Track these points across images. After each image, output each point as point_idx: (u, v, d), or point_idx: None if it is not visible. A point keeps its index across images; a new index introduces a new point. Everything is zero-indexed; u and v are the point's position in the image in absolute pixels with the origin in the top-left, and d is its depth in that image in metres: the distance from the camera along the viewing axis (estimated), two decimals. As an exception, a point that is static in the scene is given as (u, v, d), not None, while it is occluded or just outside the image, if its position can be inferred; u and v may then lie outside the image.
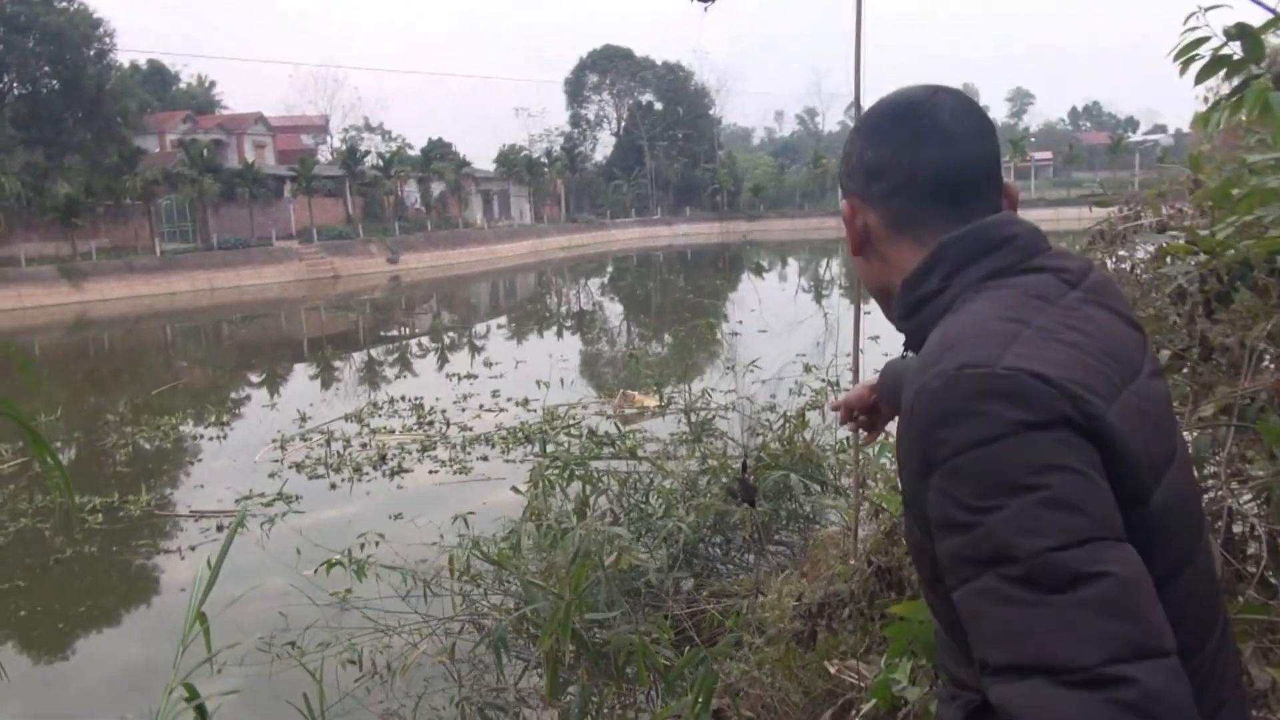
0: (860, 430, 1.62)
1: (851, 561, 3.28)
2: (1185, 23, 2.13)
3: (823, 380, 8.76)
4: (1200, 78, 2.32)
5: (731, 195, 78.01)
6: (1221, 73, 2.57)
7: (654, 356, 22.05)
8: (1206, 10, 2.11)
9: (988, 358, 0.88)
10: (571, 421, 11.35)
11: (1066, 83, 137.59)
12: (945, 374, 0.89)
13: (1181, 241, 1.87)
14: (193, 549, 8.34)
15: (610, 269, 51.18)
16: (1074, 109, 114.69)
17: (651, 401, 11.75)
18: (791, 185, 79.40)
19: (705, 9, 2.86)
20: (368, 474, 10.29)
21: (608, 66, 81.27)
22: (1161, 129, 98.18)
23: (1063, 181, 79.69)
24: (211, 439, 12.81)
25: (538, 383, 11.58)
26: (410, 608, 4.18)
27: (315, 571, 4.54)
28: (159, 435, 12.91)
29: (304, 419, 12.85)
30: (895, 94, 1.10)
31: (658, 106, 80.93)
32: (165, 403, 15.63)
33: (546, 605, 3.38)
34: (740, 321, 22.90)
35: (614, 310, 34.16)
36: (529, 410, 12.73)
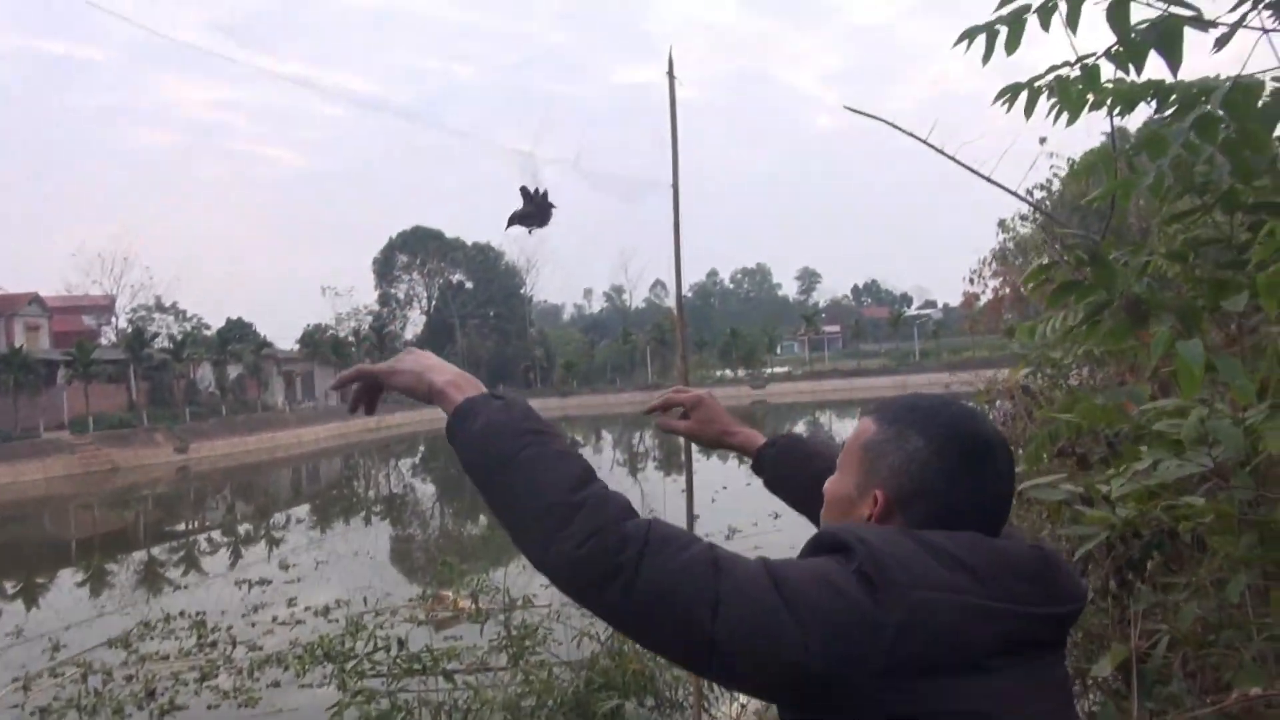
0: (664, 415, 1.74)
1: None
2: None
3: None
4: (1051, 303, 2.20)
5: (544, 371, 78.68)
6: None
7: (469, 539, 21.09)
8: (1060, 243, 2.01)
9: None
10: (379, 633, 10.31)
11: (848, 262, 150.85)
12: None
13: (1078, 499, 1.66)
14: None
15: (422, 448, 49.64)
16: (856, 286, 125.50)
17: (466, 603, 10.92)
18: (602, 360, 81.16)
19: (530, 233, 2.56)
20: (130, 716, 8.78)
21: (418, 246, 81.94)
22: (932, 304, 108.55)
23: (851, 353, 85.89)
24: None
25: (335, 601, 10.52)
26: None
27: None
28: None
29: (56, 648, 11.05)
30: (964, 421, 1.16)
31: (469, 285, 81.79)
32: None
33: None
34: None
35: (426, 492, 32.82)
36: (330, 620, 11.52)
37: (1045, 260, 2.04)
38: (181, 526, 26.53)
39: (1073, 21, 2.34)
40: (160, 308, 64.48)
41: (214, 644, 10.99)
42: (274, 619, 11.96)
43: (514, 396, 1.19)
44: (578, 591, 1.04)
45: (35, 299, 54.31)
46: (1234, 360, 1.32)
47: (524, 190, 2.58)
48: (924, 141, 4.47)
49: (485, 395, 1.20)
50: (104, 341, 55.44)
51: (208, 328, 60.11)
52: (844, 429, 42.17)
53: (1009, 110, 2.59)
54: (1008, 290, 28.96)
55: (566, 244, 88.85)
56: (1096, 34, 2.41)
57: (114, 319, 64.28)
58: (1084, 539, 1.58)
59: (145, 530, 25.63)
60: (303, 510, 27.44)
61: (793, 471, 1.65)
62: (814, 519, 1.64)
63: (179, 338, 51.71)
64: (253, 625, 11.76)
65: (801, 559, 1.07)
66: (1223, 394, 1.70)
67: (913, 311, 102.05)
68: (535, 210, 2.57)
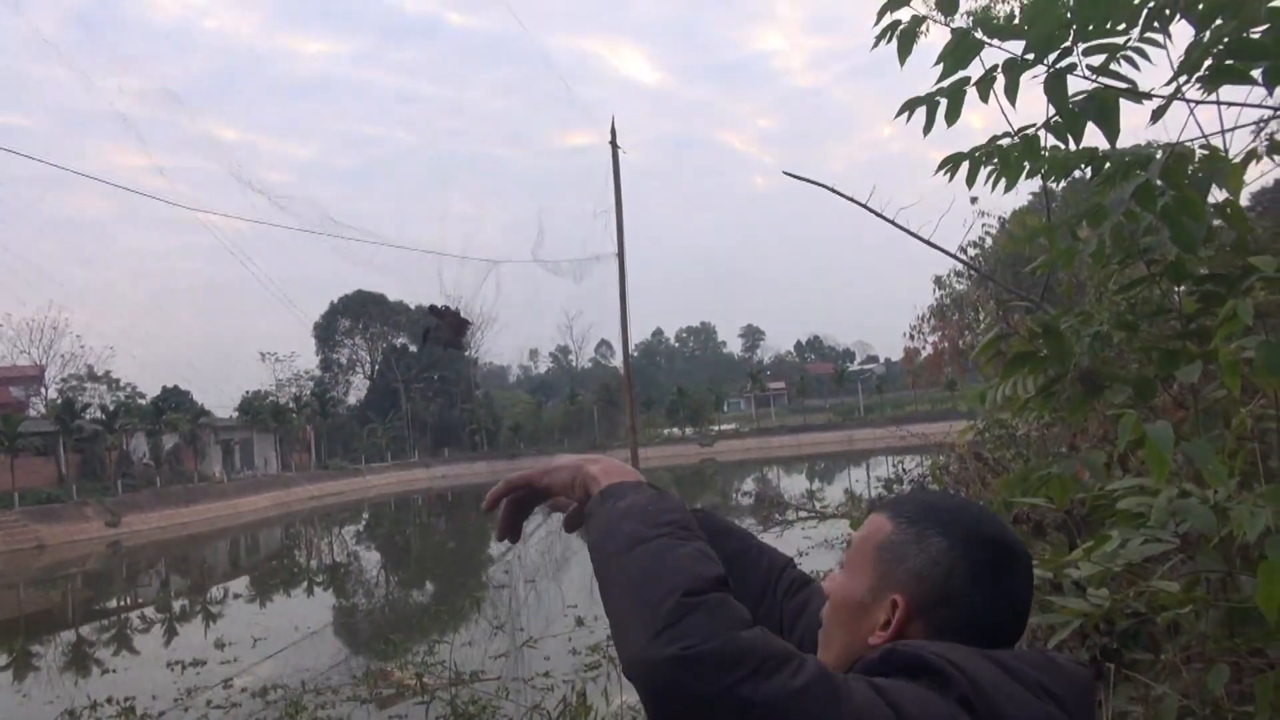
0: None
1: None
2: (984, 323, 2.01)
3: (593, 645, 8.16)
4: (1005, 375, 2.19)
5: (490, 434, 77.88)
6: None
7: (414, 608, 20.53)
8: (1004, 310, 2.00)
9: None
10: (319, 713, 9.91)
11: (791, 319, 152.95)
12: None
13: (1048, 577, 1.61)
14: None
15: (365, 516, 48.56)
16: (799, 342, 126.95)
17: (411, 680, 10.58)
18: (550, 421, 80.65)
19: (444, 350, 2.51)
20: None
21: (360, 311, 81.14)
22: (874, 359, 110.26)
23: (798, 408, 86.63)
24: None
25: (272, 684, 10.11)
26: None
27: None
28: None
29: (-28, 744, 10.39)
30: (989, 524, 1.10)
31: (412, 349, 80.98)
32: None
33: None
34: (506, 572, 21.91)
35: (371, 559, 32.02)
36: (268, 702, 11.03)
37: (986, 322, 2.03)
38: (112, 604, 25.42)
39: (1010, 94, 2.38)
40: (93, 377, 62.64)
41: (144, 732, 10.44)
42: (208, 703, 11.42)
43: (671, 492, 1.14)
44: (677, 703, 0.91)
45: (-41, 370, 52.47)
46: (1204, 443, 1.30)
47: (434, 309, 2.51)
48: (863, 205, 4.51)
49: (640, 482, 1.15)
50: (33, 413, 53.52)
51: (142, 397, 58.48)
52: (793, 484, 42.27)
53: (950, 179, 2.60)
54: (946, 345, 29.51)
55: (511, 306, 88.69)
56: (1033, 104, 2.45)
57: (43, 389, 62.21)
58: (1056, 627, 1.53)
59: (73, 609, 24.52)
60: (240, 583, 26.51)
61: None
62: None
63: (111, 408, 50.17)
64: (186, 710, 11.22)
65: (887, 680, 0.97)
66: (1183, 468, 1.68)
67: (855, 367, 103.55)
68: (448, 329, 2.50)
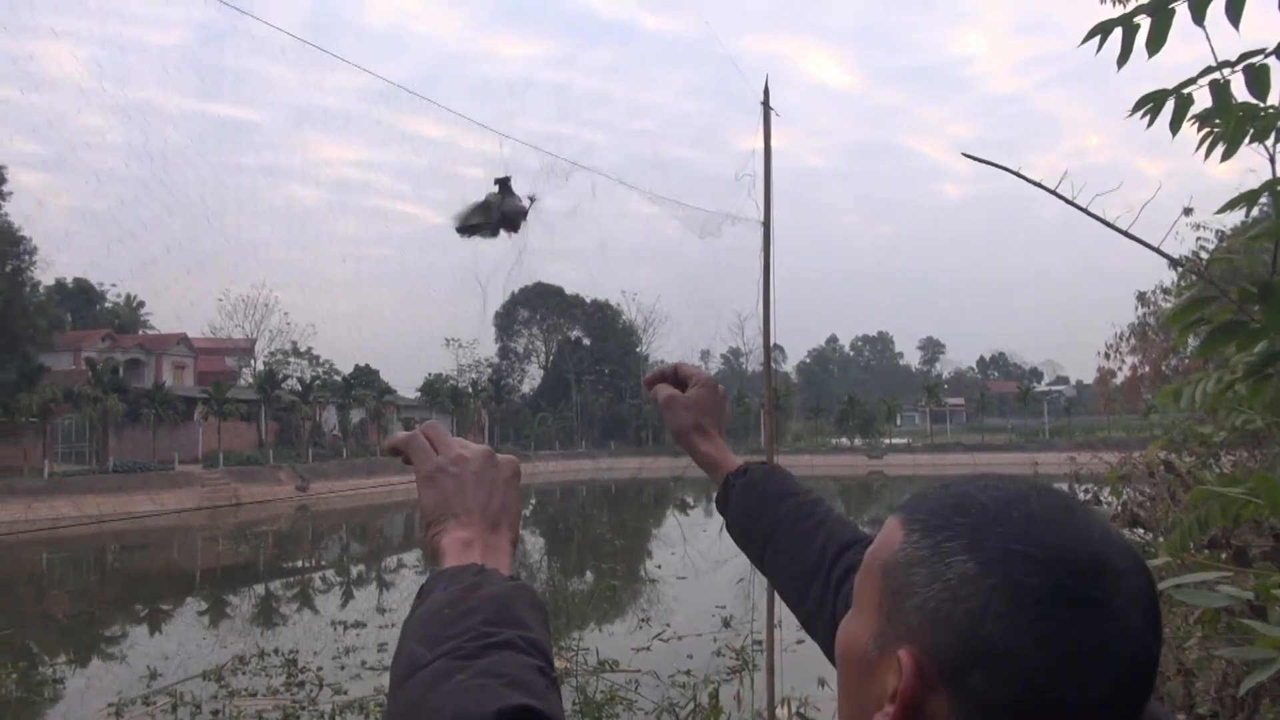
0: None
1: None
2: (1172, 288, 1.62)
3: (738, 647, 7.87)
4: (1203, 349, 1.77)
5: (656, 430, 78.51)
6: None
7: (574, 593, 20.80)
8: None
9: None
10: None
11: (974, 333, 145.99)
12: None
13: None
14: None
15: (533, 501, 49.96)
16: (982, 358, 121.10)
17: (561, 664, 10.61)
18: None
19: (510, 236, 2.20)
20: (211, 752, 8.76)
21: (539, 302, 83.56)
22: (1064, 380, 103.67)
23: (975, 426, 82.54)
24: (38, 700, 11.04)
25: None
26: None
27: None
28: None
29: (153, 676, 11.22)
30: (1051, 529, 0.64)
31: (586, 342, 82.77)
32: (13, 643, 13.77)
33: None
34: (659, 566, 21.86)
35: (535, 544, 32.84)
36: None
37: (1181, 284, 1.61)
38: (298, 563, 27.19)
39: (1235, 10, 1.92)
40: (296, 352, 67.51)
41: (301, 684, 10.96)
42: (363, 664, 11.89)
43: (519, 586, 0.83)
44: None
45: (183, 339, 57.73)
46: None
47: (502, 182, 2.16)
48: (1052, 192, 3.99)
49: (476, 568, 0.83)
50: (244, 382, 58.29)
51: (338, 373, 62.47)
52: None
53: (1150, 124, 2.14)
54: (1147, 368, 27.16)
55: (683, 305, 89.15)
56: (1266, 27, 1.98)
57: (253, 361, 67.69)
58: (1254, 665, 1.14)
59: (263, 565, 26.36)
60: (413, 556, 27.78)
61: (756, 510, 1.19)
62: (782, 591, 1.17)
63: (309, 381, 53.87)
64: (342, 668, 11.71)
65: None
66: None
67: (1042, 387, 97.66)
68: (497, 219, 2.14)
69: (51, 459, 39.12)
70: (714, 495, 1.28)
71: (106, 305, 70.60)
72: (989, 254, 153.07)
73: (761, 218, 3.59)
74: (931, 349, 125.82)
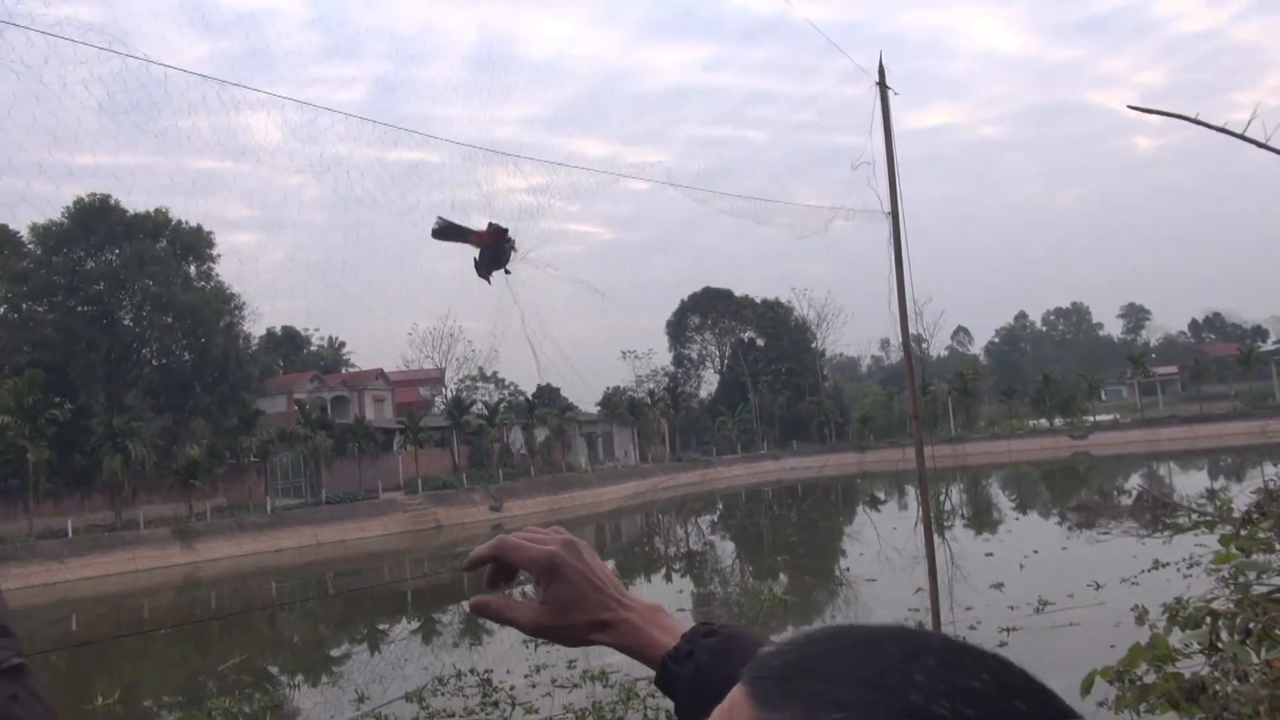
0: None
1: None
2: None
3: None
4: None
5: (839, 426, 76.77)
6: None
7: (767, 600, 20.52)
8: None
9: None
10: (650, 700, 9.97)
11: (1182, 296, 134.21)
12: None
13: None
14: None
15: (719, 506, 49.87)
16: (1194, 321, 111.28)
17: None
18: (902, 412, 77.72)
19: (507, 273, 2.14)
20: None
21: (708, 307, 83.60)
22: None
23: (1192, 396, 75.87)
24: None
25: (611, 663, 10.33)
26: None
27: None
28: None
29: (361, 700, 11.78)
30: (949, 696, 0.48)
31: (759, 343, 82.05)
32: (248, 669, 14.87)
33: None
34: (848, 569, 21.17)
35: (725, 549, 32.72)
36: (606, 685, 11.35)
37: None
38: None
39: None
40: (483, 377, 70.50)
41: (495, 704, 11.20)
42: (553, 681, 12.03)
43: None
44: None
45: (380, 374, 61.47)
46: None
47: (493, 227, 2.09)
48: (1237, 135, 3.41)
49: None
50: (436, 410, 61.41)
51: (523, 394, 64.68)
52: (1188, 483, 36.95)
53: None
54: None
55: (857, 295, 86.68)
56: None
57: (444, 389, 71.17)
58: None
59: (466, 585, 27.52)
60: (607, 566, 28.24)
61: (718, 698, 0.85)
62: None
63: (494, 404, 56.06)
64: (533, 686, 11.90)
65: None
66: None
67: (1269, 347, 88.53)
68: (486, 254, 2.09)
69: (273, 495, 42.50)
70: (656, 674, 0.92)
71: (312, 349, 76.13)
72: (1193, 206, 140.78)
73: (887, 207, 3.22)
74: (1135, 316, 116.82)
